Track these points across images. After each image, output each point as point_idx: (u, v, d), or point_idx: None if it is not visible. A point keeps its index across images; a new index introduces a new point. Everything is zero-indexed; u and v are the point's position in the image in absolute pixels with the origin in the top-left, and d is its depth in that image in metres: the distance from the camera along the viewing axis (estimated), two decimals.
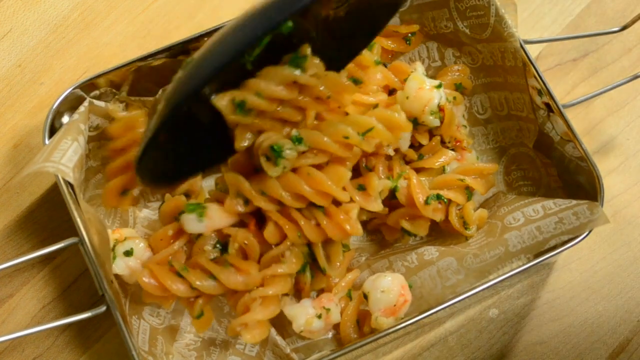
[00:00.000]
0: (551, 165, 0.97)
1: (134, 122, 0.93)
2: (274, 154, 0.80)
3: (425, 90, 0.93)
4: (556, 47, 1.09)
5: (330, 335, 0.92)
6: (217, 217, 0.87)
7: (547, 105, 0.94)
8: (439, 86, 0.94)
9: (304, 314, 0.89)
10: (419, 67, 0.97)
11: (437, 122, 0.94)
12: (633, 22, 0.99)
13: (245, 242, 0.86)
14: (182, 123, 0.75)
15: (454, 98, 0.97)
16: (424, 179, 0.94)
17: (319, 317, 0.88)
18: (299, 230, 0.84)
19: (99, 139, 0.94)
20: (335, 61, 0.82)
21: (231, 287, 0.84)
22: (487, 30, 0.97)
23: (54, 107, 0.90)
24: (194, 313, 0.86)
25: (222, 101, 0.75)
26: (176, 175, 0.83)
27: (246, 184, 0.83)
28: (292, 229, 0.84)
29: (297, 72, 0.76)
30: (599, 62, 1.09)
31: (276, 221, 0.84)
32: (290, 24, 0.71)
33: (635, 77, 0.99)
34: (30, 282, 0.94)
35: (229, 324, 0.90)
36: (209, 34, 0.93)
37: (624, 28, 1.00)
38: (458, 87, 0.99)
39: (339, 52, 0.84)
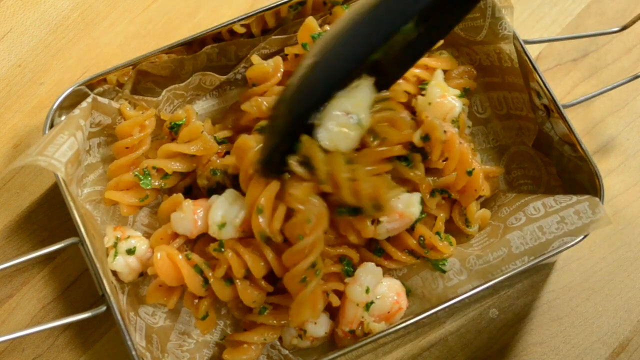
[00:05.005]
0: (551, 164, 0.97)
1: (144, 122, 0.93)
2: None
3: (448, 99, 0.93)
4: (556, 47, 1.09)
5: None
6: (206, 222, 0.87)
7: (547, 105, 0.94)
8: (461, 95, 0.94)
9: (288, 334, 0.89)
10: (439, 74, 0.96)
11: (455, 131, 0.94)
12: (633, 22, 0.99)
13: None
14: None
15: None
16: (430, 179, 0.94)
17: (300, 337, 0.88)
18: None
19: (99, 136, 0.94)
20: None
21: (242, 297, 0.84)
22: (481, 33, 0.97)
23: (54, 107, 0.90)
24: (200, 314, 0.86)
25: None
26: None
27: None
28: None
29: None
30: (599, 62, 1.09)
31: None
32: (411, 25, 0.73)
33: (635, 77, 0.99)
34: (30, 282, 0.94)
35: (225, 326, 0.91)
36: (208, 33, 0.93)
37: (624, 28, 1.00)
38: (466, 92, 0.99)
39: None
